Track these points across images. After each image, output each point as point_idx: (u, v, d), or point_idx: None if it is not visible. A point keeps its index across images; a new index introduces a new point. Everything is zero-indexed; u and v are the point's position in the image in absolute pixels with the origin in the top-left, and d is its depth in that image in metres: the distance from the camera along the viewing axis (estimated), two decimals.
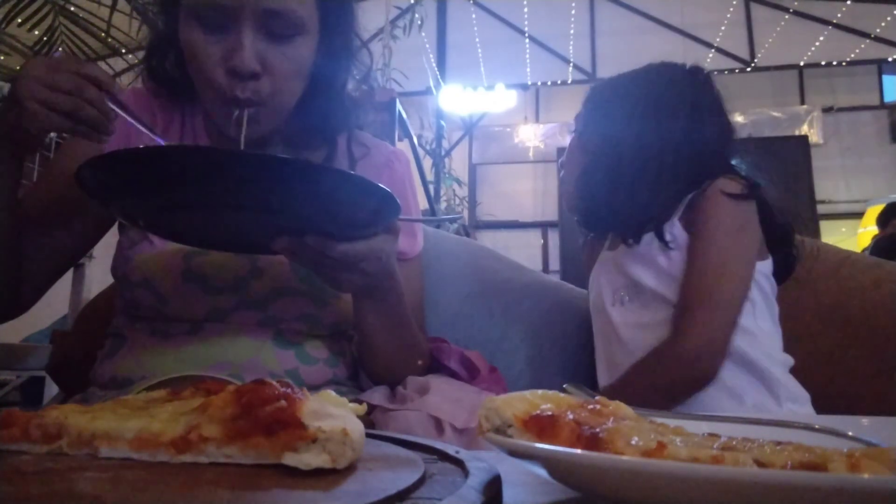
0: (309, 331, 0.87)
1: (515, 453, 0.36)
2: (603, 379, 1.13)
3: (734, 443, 0.36)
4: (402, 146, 3.53)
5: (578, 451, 0.34)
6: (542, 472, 0.36)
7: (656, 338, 1.02)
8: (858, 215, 6.00)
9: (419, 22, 4.98)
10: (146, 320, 0.85)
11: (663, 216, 1.03)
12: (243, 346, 0.82)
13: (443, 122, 6.85)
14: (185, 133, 0.92)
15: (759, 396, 1.01)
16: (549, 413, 0.39)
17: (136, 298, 0.83)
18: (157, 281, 0.82)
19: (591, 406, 0.42)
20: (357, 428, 0.37)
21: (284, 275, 0.84)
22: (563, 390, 0.52)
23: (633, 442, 0.34)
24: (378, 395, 0.82)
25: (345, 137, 0.96)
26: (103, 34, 2.63)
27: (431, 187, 5.31)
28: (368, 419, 0.78)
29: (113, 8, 2.59)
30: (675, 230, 1.03)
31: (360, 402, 0.47)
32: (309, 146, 0.93)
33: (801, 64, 6.86)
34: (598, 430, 0.36)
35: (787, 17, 6.47)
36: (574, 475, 0.35)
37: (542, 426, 0.38)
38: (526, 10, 6.84)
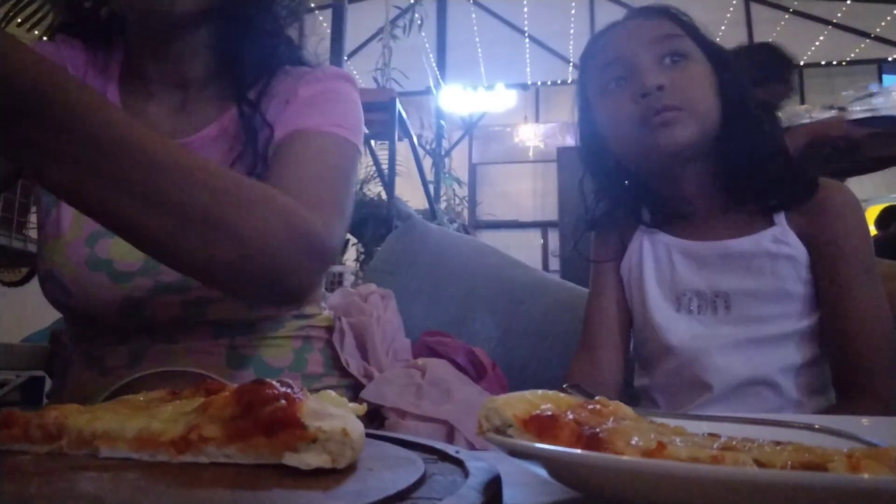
0: (247, 315, 0.78)
1: (515, 453, 0.36)
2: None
3: (734, 443, 0.36)
4: (402, 146, 3.52)
5: (578, 451, 0.34)
6: (542, 472, 0.36)
7: None
8: None
9: (419, 22, 4.97)
10: (80, 342, 0.79)
11: None
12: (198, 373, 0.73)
13: (443, 122, 6.83)
14: (97, 79, 0.84)
15: None
16: (549, 413, 0.39)
17: (49, 296, 0.76)
18: (60, 271, 0.74)
19: (591, 406, 0.42)
20: (357, 428, 0.37)
21: None
22: (563, 390, 0.52)
23: (633, 442, 0.34)
24: (391, 390, 0.78)
25: (285, 71, 0.85)
26: None
27: (431, 187, 5.30)
28: (380, 417, 0.76)
29: None
30: None
31: (360, 401, 0.47)
32: (243, 79, 0.82)
33: (801, 64, 6.85)
34: (598, 430, 0.36)
35: (787, 16, 6.48)
36: (574, 475, 0.35)
37: (542, 426, 0.38)
38: (526, 9, 6.83)
